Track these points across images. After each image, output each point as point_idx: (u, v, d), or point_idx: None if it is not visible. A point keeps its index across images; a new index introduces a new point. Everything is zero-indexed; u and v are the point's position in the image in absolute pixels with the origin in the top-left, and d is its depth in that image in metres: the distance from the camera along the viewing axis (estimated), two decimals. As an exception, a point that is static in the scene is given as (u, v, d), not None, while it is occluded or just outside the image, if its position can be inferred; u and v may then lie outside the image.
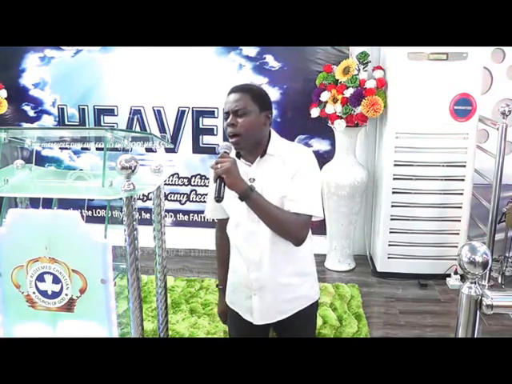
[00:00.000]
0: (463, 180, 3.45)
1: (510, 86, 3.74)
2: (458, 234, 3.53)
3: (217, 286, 1.95)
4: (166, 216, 2.36)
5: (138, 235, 1.80)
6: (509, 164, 3.35)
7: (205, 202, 4.03)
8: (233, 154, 1.67)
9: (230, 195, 1.54)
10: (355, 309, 3.15)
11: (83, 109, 4.02)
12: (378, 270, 3.67)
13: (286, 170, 1.61)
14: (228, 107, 1.60)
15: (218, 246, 1.90)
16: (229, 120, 1.60)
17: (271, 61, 3.77)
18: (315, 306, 1.84)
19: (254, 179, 1.64)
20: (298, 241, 1.64)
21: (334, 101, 3.42)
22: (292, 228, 1.61)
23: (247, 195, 1.53)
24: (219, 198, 1.49)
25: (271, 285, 1.70)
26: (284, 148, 1.66)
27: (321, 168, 3.26)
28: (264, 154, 1.64)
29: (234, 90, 1.63)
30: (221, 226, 1.84)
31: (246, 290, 1.73)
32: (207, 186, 4.00)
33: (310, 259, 1.80)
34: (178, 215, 4.12)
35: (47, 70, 4.01)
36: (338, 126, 3.44)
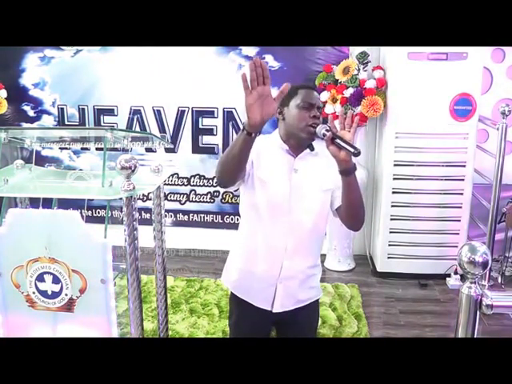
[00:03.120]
0: (463, 180, 3.45)
1: (510, 86, 3.73)
2: (458, 234, 3.53)
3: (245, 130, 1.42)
4: (165, 216, 2.36)
5: (138, 235, 1.80)
6: (509, 164, 3.34)
7: (204, 201, 4.05)
8: (278, 143, 1.73)
9: (276, 178, 1.65)
10: (355, 309, 3.15)
11: (83, 109, 4.02)
12: (378, 269, 3.67)
13: (330, 167, 1.63)
14: (314, 102, 1.66)
15: None
16: (314, 113, 1.65)
17: (271, 61, 3.77)
18: (318, 301, 1.91)
19: (296, 170, 1.70)
20: (362, 224, 1.71)
21: (334, 101, 3.42)
22: (363, 211, 1.67)
23: (354, 169, 1.56)
24: (359, 151, 1.51)
25: (299, 273, 1.75)
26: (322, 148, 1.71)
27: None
28: (313, 149, 1.72)
29: (310, 87, 1.73)
30: None
31: (270, 278, 1.74)
32: (207, 186, 4.01)
33: None
34: (177, 215, 4.11)
35: (47, 70, 4.01)
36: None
